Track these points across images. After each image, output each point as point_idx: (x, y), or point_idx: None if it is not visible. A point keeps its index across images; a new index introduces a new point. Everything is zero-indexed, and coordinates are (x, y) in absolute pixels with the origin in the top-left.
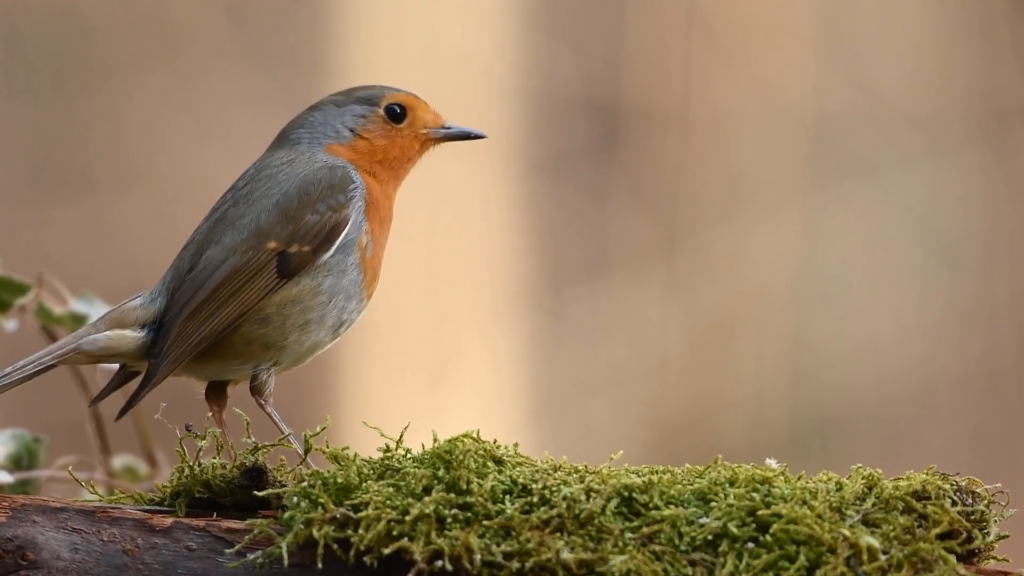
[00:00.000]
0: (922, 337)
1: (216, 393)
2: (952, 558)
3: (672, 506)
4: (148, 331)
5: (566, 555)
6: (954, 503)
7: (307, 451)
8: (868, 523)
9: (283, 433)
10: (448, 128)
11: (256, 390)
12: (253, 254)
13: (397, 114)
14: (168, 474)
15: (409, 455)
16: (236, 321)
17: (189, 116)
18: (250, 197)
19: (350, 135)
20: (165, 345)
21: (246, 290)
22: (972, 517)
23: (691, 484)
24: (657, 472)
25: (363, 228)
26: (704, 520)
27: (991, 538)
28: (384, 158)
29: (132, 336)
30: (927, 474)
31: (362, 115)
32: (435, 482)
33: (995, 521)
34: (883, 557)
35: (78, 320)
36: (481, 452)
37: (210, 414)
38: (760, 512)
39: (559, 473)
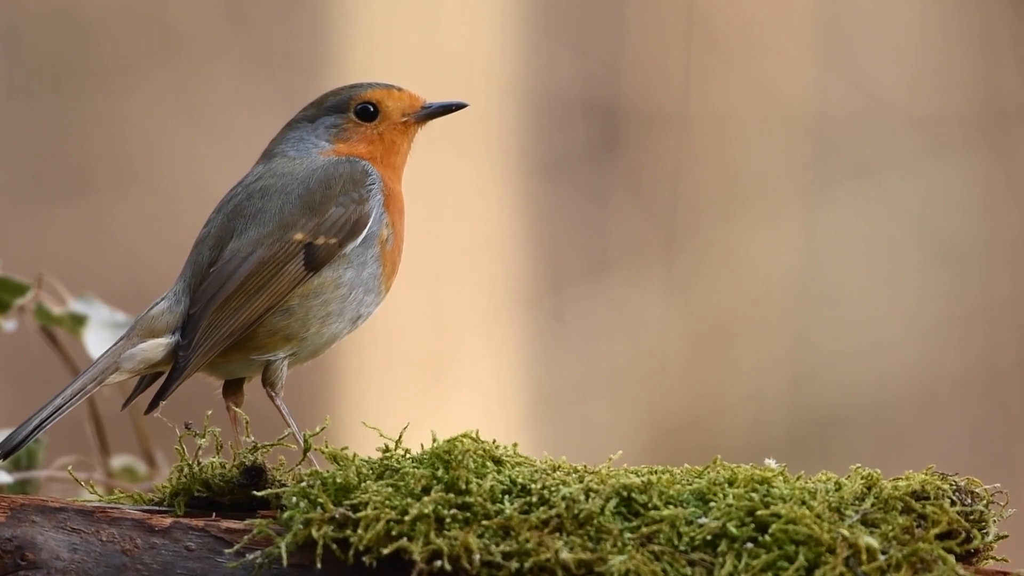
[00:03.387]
0: (922, 338)
1: (232, 390)
2: (951, 558)
3: (671, 506)
4: (179, 334)
5: (565, 555)
6: (953, 503)
7: (307, 450)
8: (867, 523)
9: (290, 427)
10: (428, 107)
11: (268, 382)
12: (280, 246)
13: (370, 113)
14: (167, 475)
15: (408, 455)
16: (265, 314)
17: (189, 117)
18: (266, 191)
19: (328, 146)
20: (195, 337)
21: (275, 282)
22: (971, 517)
23: (690, 484)
24: (656, 472)
25: (383, 221)
26: (703, 520)
27: (990, 538)
28: (371, 158)
29: (165, 343)
30: (926, 474)
31: (334, 125)
32: (434, 482)
33: (994, 521)
34: (882, 557)
35: (77, 320)
36: (480, 452)
37: (210, 412)
38: (759, 512)
39: (558, 473)
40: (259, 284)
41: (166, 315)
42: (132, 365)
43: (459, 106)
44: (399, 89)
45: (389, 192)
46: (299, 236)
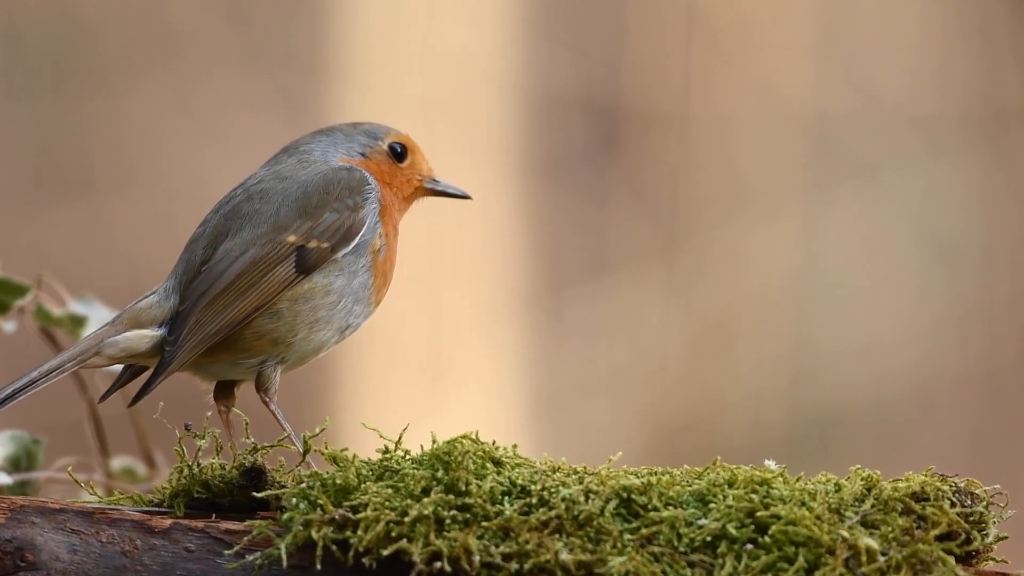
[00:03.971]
0: (922, 338)
1: (224, 394)
2: (951, 559)
3: (671, 507)
4: (165, 328)
5: (565, 556)
6: (953, 504)
7: (306, 452)
8: (867, 524)
9: (285, 431)
10: (437, 183)
11: (261, 387)
12: (273, 247)
13: (399, 153)
14: (167, 476)
15: (408, 456)
16: (253, 314)
17: (188, 117)
18: (266, 194)
19: (360, 158)
20: (182, 333)
21: (264, 282)
22: (971, 518)
23: (690, 485)
24: (656, 473)
25: (377, 231)
26: (703, 521)
27: (990, 539)
28: (391, 182)
29: (151, 335)
30: (926, 475)
31: (368, 145)
32: (434, 483)
33: (994, 522)
34: (882, 558)
35: (77, 322)
36: (480, 453)
37: (209, 414)
38: (759, 513)
39: (558, 474)
40: (249, 283)
41: (154, 308)
42: (114, 352)
43: (464, 196)
44: (423, 153)
45: (386, 204)
46: (292, 238)
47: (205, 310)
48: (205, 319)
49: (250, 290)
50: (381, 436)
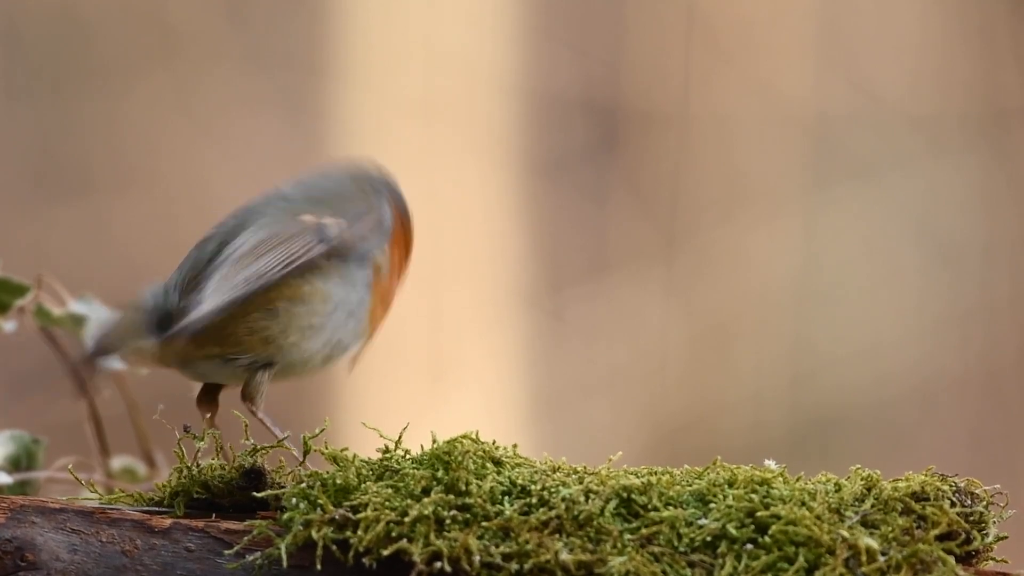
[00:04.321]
0: (922, 338)
1: (208, 400)
2: (951, 559)
3: (671, 507)
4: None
5: (565, 556)
6: (953, 504)
7: (306, 453)
8: (867, 524)
9: (277, 438)
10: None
11: (247, 395)
12: (291, 223)
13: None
14: (167, 476)
15: (408, 456)
16: (281, 272)
17: (188, 117)
18: (287, 196)
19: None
20: (206, 292)
21: (287, 245)
22: (971, 518)
23: (690, 485)
24: (656, 473)
25: (383, 247)
26: (703, 521)
27: (990, 539)
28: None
29: (150, 336)
30: (926, 475)
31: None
32: (434, 483)
33: (994, 522)
34: (882, 558)
35: (77, 321)
36: (480, 453)
37: (208, 415)
38: (759, 513)
39: (558, 474)
40: (271, 247)
41: (157, 299)
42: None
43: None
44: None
45: (396, 239)
46: (310, 218)
47: (234, 267)
48: (231, 272)
49: (271, 252)
50: (381, 436)
